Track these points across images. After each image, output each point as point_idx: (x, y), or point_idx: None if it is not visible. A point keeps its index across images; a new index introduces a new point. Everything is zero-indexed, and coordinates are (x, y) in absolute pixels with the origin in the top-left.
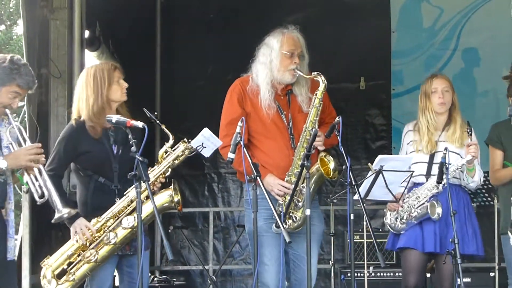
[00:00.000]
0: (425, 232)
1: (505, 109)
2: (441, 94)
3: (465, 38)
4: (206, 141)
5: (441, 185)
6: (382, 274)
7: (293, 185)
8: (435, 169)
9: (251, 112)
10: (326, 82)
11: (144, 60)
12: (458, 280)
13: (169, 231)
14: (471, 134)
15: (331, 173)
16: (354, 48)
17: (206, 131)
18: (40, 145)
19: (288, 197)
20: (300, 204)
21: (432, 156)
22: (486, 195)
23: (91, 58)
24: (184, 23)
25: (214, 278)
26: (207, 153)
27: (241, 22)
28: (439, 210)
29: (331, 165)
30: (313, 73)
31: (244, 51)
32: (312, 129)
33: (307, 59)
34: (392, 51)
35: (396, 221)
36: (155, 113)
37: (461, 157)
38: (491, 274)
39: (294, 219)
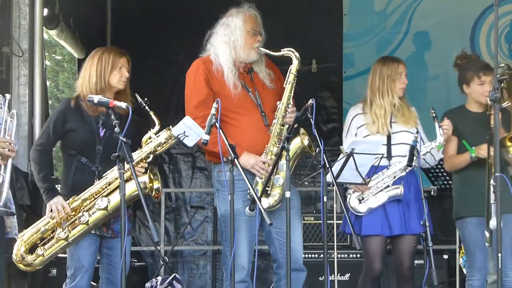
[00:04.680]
0: (390, 215)
1: (456, 92)
2: (405, 79)
3: (417, 21)
4: (188, 130)
5: (408, 168)
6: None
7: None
8: (394, 151)
9: (220, 91)
10: (299, 58)
11: (97, 38)
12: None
13: None
14: (437, 118)
15: (308, 148)
16: (306, 30)
17: (188, 120)
18: (12, 141)
19: (266, 175)
20: (281, 180)
21: (389, 138)
22: (448, 178)
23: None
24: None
25: (167, 259)
26: (190, 142)
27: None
28: (402, 191)
29: (306, 141)
30: (283, 49)
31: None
32: (288, 105)
33: (264, 37)
34: (344, 34)
35: (360, 202)
36: (145, 99)
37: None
38: (445, 256)
39: (274, 197)
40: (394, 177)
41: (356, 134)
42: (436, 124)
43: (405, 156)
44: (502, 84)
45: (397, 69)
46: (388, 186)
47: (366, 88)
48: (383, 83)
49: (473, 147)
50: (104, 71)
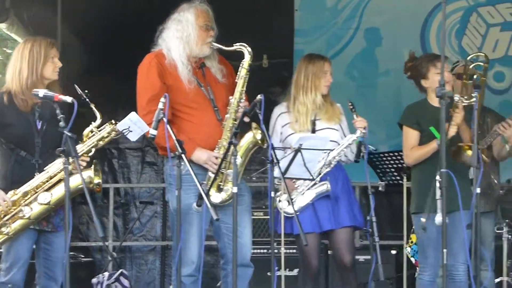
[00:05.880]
0: (319, 211)
1: (406, 88)
2: (329, 77)
3: (368, 17)
4: (132, 125)
5: (333, 163)
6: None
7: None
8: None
9: (173, 84)
10: (252, 53)
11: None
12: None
13: None
14: (355, 111)
15: (261, 143)
16: (257, 26)
17: (133, 115)
18: None
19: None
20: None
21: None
22: (396, 174)
23: None
24: None
25: (115, 255)
26: (133, 137)
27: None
28: (329, 186)
29: (258, 135)
30: (235, 44)
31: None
32: (241, 100)
33: (216, 32)
34: (295, 29)
35: (289, 203)
36: (86, 91)
37: (344, 134)
38: (393, 251)
39: (227, 191)
40: (320, 173)
41: (281, 133)
42: (355, 116)
43: (328, 151)
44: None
45: (323, 66)
46: (315, 183)
47: (291, 86)
48: (308, 80)
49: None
50: (37, 64)
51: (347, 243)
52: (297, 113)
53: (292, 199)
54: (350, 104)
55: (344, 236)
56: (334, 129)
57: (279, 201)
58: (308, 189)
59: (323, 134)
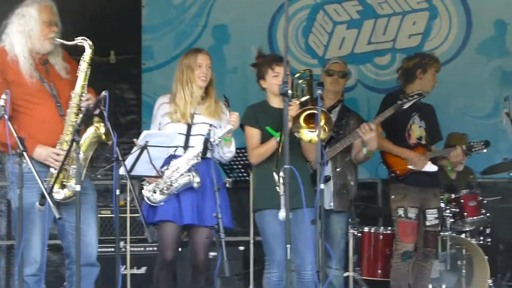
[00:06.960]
0: (183, 204)
1: (253, 86)
2: (205, 70)
3: (215, 14)
4: None
5: (199, 157)
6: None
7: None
8: (192, 141)
9: (15, 80)
10: (93, 47)
11: None
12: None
13: None
14: (228, 106)
15: (105, 137)
16: (104, 21)
17: None
18: None
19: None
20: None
21: (189, 128)
22: (242, 170)
23: None
24: None
25: None
26: None
27: None
28: (197, 179)
29: (102, 129)
30: (76, 38)
31: None
32: (82, 94)
33: (60, 28)
34: (143, 26)
35: (155, 193)
36: None
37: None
38: (241, 248)
39: (70, 188)
40: (188, 165)
41: (160, 123)
42: (227, 113)
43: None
44: (300, 81)
45: (196, 58)
46: (182, 174)
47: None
48: (183, 74)
49: (278, 132)
50: None
51: (206, 243)
52: (176, 105)
53: (158, 188)
54: (225, 100)
55: (204, 235)
56: (212, 124)
57: (144, 189)
58: (175, 179)
59: (199, 128)
